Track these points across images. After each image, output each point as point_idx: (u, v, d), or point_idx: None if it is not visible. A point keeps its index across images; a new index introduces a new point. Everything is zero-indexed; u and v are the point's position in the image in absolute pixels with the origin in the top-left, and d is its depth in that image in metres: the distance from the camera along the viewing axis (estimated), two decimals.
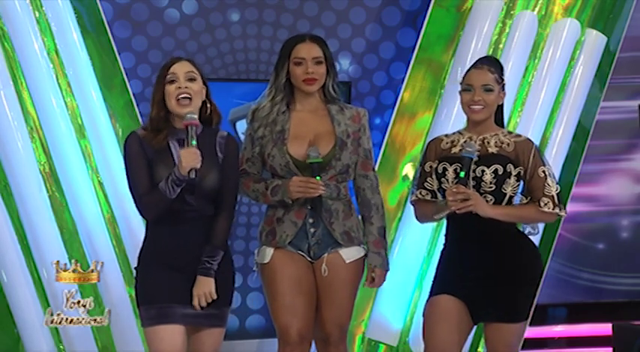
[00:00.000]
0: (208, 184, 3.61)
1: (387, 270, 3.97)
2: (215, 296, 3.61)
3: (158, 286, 3.60)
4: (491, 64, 3.79)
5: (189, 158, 3.50)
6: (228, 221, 3.67)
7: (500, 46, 5.33)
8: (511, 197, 3.74)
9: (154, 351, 3.60)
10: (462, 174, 3.68)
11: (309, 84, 3.85)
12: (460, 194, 3.63)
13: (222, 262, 3.66)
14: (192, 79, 3.62)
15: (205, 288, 3.60)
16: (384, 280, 3.96)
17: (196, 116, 3.59)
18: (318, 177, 3.79)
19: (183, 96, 3.60)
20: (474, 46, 5.24)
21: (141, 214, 3.67)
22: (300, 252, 3.85)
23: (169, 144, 3.63)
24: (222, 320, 3.71)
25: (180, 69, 3.62)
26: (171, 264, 3.61)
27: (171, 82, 3.61)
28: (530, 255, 3.81)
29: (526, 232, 3.87)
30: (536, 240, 5.12)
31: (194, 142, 3.54)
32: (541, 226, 5.04)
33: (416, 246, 5.20)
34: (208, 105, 3.69)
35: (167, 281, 3.60)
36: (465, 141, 3.75)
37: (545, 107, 5.33)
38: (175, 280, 3.60)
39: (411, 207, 3.97)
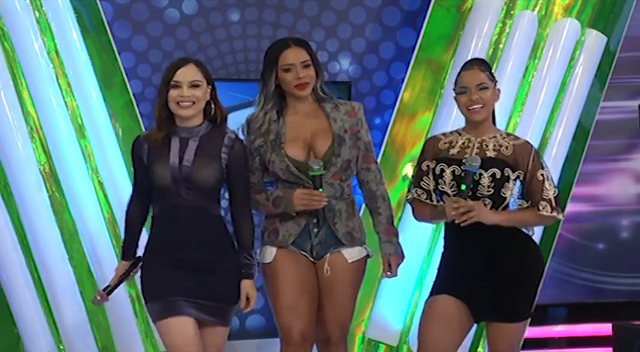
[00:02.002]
0: (202, 177, 3.64)
1: (403, 258, 3.95)
2: (255, 299, 3.71)
3: (161, 282, 3.63)
4: (480, 63, 3.81)
5: None
6: (251, 224, 3.76)
7: (500, 46, 5.33)
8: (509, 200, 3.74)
9: (168, 344, 3.62)
10: (464, 187, 3.66)
11: (301, 89, 3.84)
12: (462, 207, 3.64)
13: (229, 261, 3.70)
14: (196, 86, 3.65)
15: (249, 290, 3.70)
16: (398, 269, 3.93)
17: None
18: (321, 190, 3.78)
19: (185, 104, 3.64)
20: (474, 46, 5.23)
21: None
22: (302, 252, 3.85)
23: (170, 141, 3.67)
24: (226, 319, 3.72)
25: (185, 77, 3.64)
26: (172, 260, 3.63)
27: (175, 87, 3.65)
28: (531, 255, 3.81)
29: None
30: (536, 240, 5.14)
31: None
32: (539, 227, 5.08)
33: (416, 246, 5.19)
34: (213, 105, 3.72)
35: (170, 277, 3.63)
36: (467, 153, 3.72)
37: (545, 107, 5.33)
38: (178, 276, 3.62)
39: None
